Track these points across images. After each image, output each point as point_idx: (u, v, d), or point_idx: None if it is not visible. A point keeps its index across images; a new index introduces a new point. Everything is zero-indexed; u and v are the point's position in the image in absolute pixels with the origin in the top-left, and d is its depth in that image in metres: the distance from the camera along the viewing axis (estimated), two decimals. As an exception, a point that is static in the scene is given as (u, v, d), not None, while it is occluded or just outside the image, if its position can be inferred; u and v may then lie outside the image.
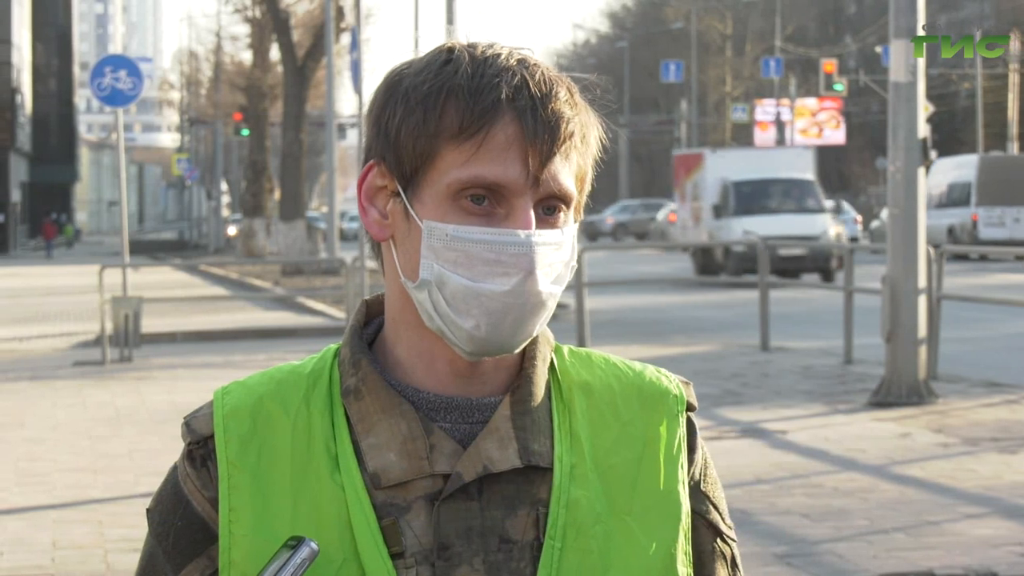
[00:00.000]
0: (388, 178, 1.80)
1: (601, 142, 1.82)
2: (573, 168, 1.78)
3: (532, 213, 1.75)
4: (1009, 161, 48.30)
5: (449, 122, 1.75)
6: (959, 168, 45.68)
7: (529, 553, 1.78)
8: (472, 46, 1.79)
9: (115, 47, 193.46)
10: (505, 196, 1.74)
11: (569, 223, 1.79)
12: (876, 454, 11.14)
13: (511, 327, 1.75)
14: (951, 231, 43.71)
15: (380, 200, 1.82)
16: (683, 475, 1.86)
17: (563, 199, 1.77)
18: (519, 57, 1.79)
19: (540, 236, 1.74)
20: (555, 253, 1.76)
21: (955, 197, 45.00)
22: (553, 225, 1.77)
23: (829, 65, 67.62)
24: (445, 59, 1.78)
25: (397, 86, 1.80)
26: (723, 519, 1.92)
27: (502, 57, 1.78)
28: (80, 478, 10.82)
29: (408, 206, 1.78)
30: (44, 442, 12.49)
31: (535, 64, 1.79)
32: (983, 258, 38.35)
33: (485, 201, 1.74)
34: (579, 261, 19.47)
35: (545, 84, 1.76)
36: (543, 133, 1.74)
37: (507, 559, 1.77)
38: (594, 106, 1.82)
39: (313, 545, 1.71)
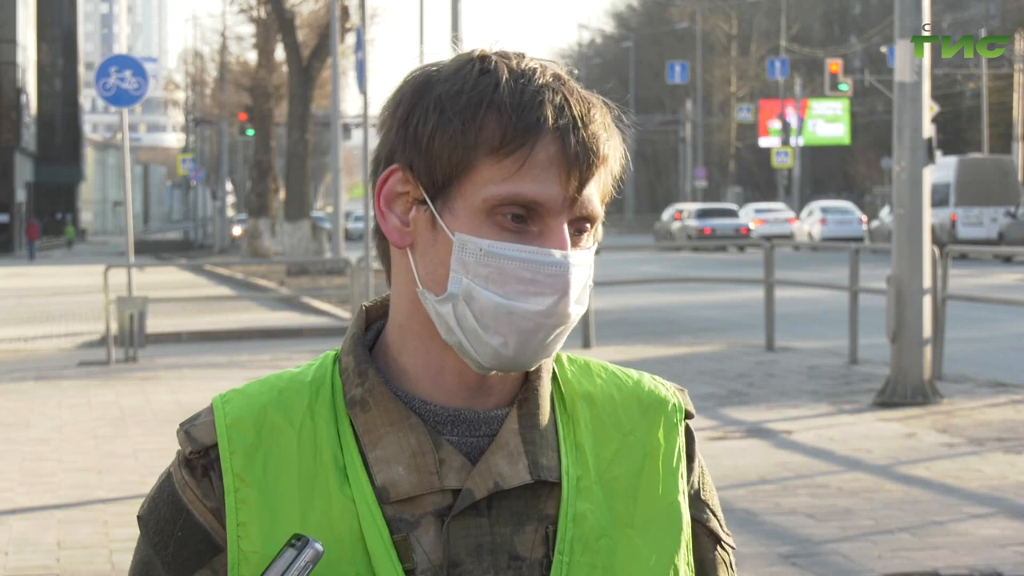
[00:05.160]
0: (412, 185, 1.76)
1: (622, 163, 1.81)
2: (601, 190, 1.77)
3: (567, 234, 1.74)
4: (986, 163, 49.01)
5: (489, 136, 1.72)
6: (939, 170, 46.19)
7: (539, 570, 1.76)
8: (506, 57, 1.77)
9: (120, 47, 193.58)
10: (541, 215, 1.72)
11: (591, 243, 1.78)
12: (881, 454, 11.14)
13: (537, 346, 1.74)
14: (931, 231, 44.23)
15: (400, 206, 1.78)
16: (683, 485, 1.85)
17: (592, 221, 1.76)
18: (553, 72, 1.77)
19: (574, 257, 1.73)
20: (584, 274, 1.75)
21: (935, 198, 45.53)
22: (580, 246, 1.76)
23: (834, 65, 67.61)
24: (481, 68, 1.75)
25: (427, 91, 1.76)
26: (722, 526, 1.91)
27: (538, 72, 1.75)
28: (85, 478, 10.83)
29: (438, 216, 1.75)
30: (49, 442, 12.49)
31: (570, 82, 1.77)
32: (964, 256, 38.33)
33: (521, 219, 1.72)
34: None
35: (583, 104, 1.75)
36: (583, 155, 1.73)
37: None
38: (618, 125, 1.80)
39: (318, 546, 1.68)
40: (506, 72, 1.74)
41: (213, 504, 1.77)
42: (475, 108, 1.72)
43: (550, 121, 1.72)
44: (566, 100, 1.74)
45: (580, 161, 1.73)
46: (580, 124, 1.73)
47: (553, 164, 1.72)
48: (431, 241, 1.76)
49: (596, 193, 1.76)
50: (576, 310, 1.75)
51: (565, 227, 1.74)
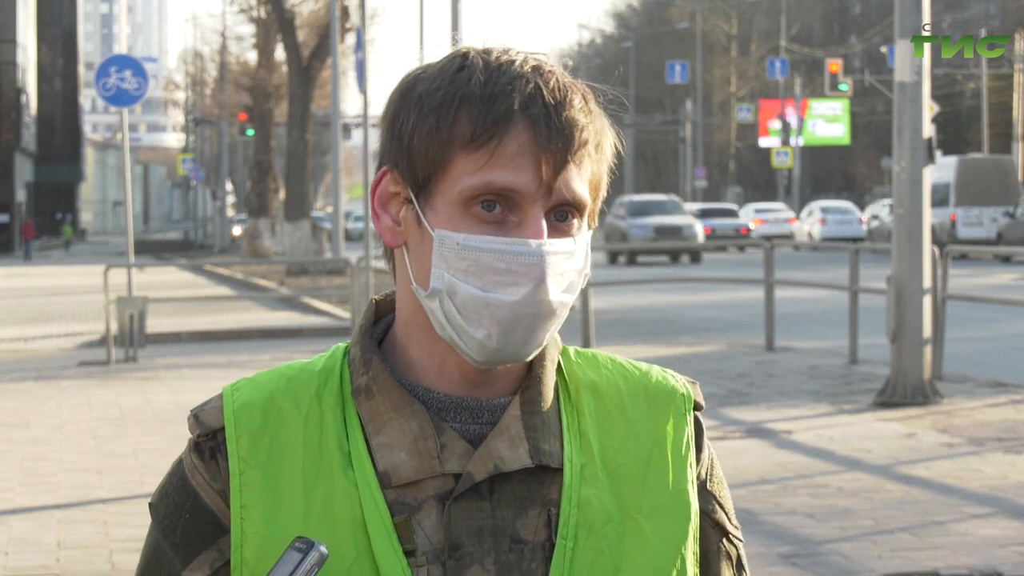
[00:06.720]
0: (401, 184, 1.80)
1: (616, 148, 1.82)
2: (587, 175, 1.77)
3: (544, 222, 1.74)
4: (986, 163, 49.06)
5: (461, 130, 1.74)
6: (939, 169, 46.22)
7: (541, 553, 1.78)
8: (487, 52, 1.79)
9: (120, 47, 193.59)
10: (517, 203, 1.74)
11: (582, 231, 1.78)
12: (881, 454, 11.14)
13: (522, 336, 1.75)
14: (931, 231, 44.36)
15: (393, 206, 1.82)
16: (691, 474, 1.86)
17: (576, 206, 1.77)
18: (534, 63, 1.78)
19: (551, 245, 1.74)
20: (567, 262, 1.76)
21: (935, 198, 45.60)
22: (565, 233, 1.76)
23: (834, 65, 67.65)
24: (459, 66, 1.77)
25: (411, 92, 1.79)
26: (729, 519, 1.92)
27: (516, 64, 1.77)
28: (85, 478, 10.82)
29: (420, 214, 1.78)
30: (49, 442, 12.49)
31: (550, 71, 1.78)
32: (963, 256, 38.36)
33: (497, 208, 1.74)
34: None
35: (559, 91, 1.76)
36: (556, 141, 1.74)
37: (519, 559, 1.78)
38: (609, 112, 1.82)
39: (322, 549, 1.70)
40: (481, 66, 1.76)
41: (219, 486, 1.81)
42: (449, 104, 1.75)
43: (519, 109, 1.74)
44: (540, 88, 1.75)
45: (553, 147, 1.74)
46: (553, 111, 1.74)
47: (525, 151, 1.73)
48: (419, 239, 1.79)
49: (580, 179, 1.76)
50: (560, 298, 1.76)
51: (542, 215, 1.74)
